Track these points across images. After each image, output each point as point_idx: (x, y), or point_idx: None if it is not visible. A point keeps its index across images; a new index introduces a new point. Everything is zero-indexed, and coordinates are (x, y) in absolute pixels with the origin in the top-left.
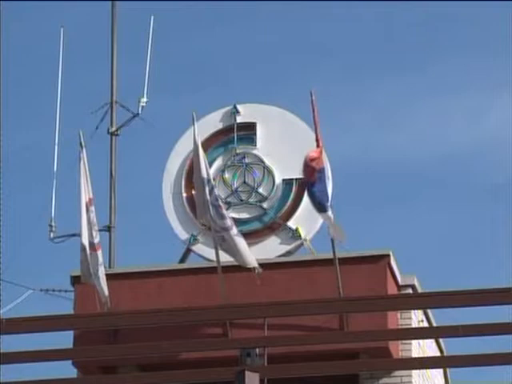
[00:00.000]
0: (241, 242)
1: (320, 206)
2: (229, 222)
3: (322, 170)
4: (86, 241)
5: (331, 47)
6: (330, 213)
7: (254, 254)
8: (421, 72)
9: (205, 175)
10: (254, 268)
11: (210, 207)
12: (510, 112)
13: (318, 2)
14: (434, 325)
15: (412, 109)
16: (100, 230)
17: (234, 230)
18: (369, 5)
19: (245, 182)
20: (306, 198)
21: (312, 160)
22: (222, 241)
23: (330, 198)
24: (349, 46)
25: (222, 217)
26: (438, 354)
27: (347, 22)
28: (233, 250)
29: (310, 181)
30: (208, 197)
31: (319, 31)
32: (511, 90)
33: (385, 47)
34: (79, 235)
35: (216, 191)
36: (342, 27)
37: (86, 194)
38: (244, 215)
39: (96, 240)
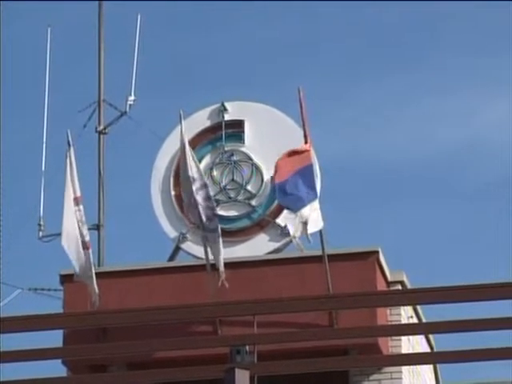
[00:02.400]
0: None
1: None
2: (215, 225)
3: (309, 167)
4: (77, 238)
5: (322, 46)
6: (304, 210)
7: (243, 252)
8: (412, 71)
9: (191, 174)
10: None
11: (199, 207)
12: (501, 111)
13: (312, 2)
14: (424, 321)
15: (403, 108)
16: (89, 229)
17: (219, 232)
18: (361, 4)
19: (233, 180)
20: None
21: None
22: (206, 240)
23: (318, 194)
24: (339, 45)
25: (210, 218)
26: (427, 350)
27: (338, 20)
28: (215, 251)
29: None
30: (196, 196)
31: (309, 29)
32: (503, 90)
33: (376, 47)
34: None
35: (209, 191)
36: (333, 26)
37: (73, 192)
38: (232, 213)
39: (86, 238)
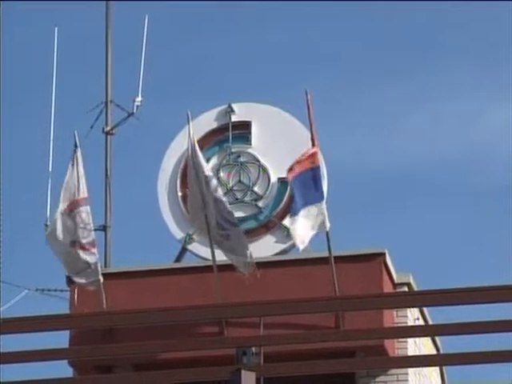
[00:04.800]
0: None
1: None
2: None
3: (317, 169)
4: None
5: (327, 52)
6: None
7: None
8: (416, 76)
9: (207, 173)
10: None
11: (219, 203)
12: (502, 117)
13: (315, 6)
14: (430, 323)
15: (408, 113)
16: (95, 230)
17: (240, 228)
18: (365, 9)
19: (240, 181)
20: None
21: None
22: (226, 239)
23: (325, 196)
24: (344, 51)
25: (230, 213)
26: (434, 352)
27: (343, 27)
28: (237, 248)
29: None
30: (215, 193)
31: (316, 35)
32: (506, 95)
33: (381, 51)
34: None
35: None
36: (338, 32)
37: (80, 193)
38: (239, 214)
39: (90, 239)
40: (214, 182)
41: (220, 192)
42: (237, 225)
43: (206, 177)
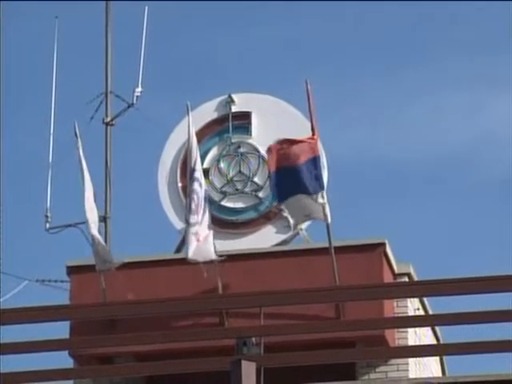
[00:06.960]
0: (192, 241)
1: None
2: (194, 219)
3: (317, 158)
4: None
5: (328, 44)
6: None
7: (250, 244)
8: (417, 70)
9: (191, 165)
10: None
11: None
12: (506, 109)
13: (316, 0)
14: (430, 313)
15: (408, 106)
16: None
17: (193, 230)
18: (366, 3)
19: (240, 172)
20: None
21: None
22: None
23: (325, 186)
24: (345, 43)
25: (190, 211)
26: (434, 342)
27: (345, 19)
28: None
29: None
30: (191, 186)
31: (317, 28)
32: (508, 87)
33: (382, 45)
34: (87, 222)
35: (196, 185)
36: (339, 24)
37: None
38: (239, 204)
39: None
40: (193, 177)
41: (203, 188)
42: (189, 224)
43: (193, 170)
